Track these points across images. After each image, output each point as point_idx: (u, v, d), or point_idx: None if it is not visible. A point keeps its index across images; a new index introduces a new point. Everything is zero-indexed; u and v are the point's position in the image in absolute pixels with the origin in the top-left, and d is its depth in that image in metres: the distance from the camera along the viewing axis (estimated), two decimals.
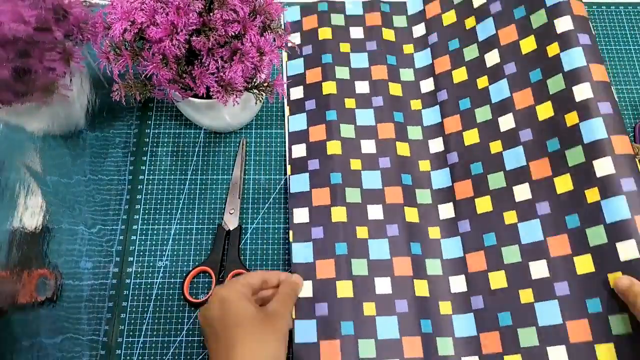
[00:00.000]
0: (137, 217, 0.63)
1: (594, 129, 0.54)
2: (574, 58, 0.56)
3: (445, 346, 0.55)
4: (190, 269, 0.60)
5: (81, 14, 0.55)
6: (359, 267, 0.57)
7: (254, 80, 0.57)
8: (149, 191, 0.64)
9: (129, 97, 0.55)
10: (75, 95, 0.57)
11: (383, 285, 0.57)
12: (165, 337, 0.58)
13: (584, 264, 0.52)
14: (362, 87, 0.66)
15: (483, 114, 0.62)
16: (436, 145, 0.64)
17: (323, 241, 0.58)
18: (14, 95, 0.51)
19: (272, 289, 0.55)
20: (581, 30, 0.58)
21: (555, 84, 0.57)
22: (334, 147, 0.62)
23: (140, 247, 0.61)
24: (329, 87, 0.65)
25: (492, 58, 0.63)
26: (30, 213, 0.46)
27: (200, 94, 0.54)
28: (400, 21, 0.71)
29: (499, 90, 0.62)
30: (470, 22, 0.66)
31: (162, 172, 0.65)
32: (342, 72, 0.66)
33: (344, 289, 0.56)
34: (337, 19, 0.70)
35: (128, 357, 0.57)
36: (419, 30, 0.70)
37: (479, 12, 0.66)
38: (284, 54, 0.69)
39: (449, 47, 0.67)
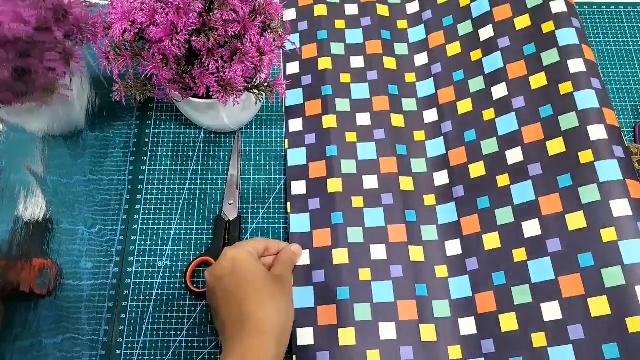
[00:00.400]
0: (137, 217, 0.63)
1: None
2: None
3: (441, 308, 0.56)
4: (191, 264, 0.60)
5: (81, 14, 0.55)
6: (355, 235, 0.58)
7: (254, 80, 0.57)
8: (149, 191, 0.64)
9: (129, 97, 0.55)
10: (75, 95, 0.57)
11: (378, 252, 0.58)
12: (165, 337, 0.58)
13: (576, 221, 0.53)
14: (357, 62, 0.67)
15: (476, 84, 0.63)
16: (430, 115, 0.65)
17: (319, 211, 0.60)
18: (14, 95, 0.50)
19: (272, 256, 0.57)
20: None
21: (550, 57, 0.60)
22: (329, 121, 0.63)
23: (140, 247, 0.61)
24: (325, 63, 0.66)
25: (486, 32, 0.65)
26: (30, 211, 0.46)
27: (200, 94, 0.54)
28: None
29: (491, 61, 0.63)
30: (464, 1, 0.68)
31: (162, 172, 0.65)
32: (337, 48, 0.67)
33: (340, 256, 0.57)
34: None
35: (128, 357, 0.57)
36: (412, 7, 0.71)
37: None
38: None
39: (443, 23, 0.68)
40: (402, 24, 0.70)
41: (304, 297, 0.57)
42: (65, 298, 0.51)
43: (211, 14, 0.53)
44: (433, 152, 0.63)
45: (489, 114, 0.61)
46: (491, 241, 0.57)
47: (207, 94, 0.55)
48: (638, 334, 0.48)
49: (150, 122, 0.67)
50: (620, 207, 0.52)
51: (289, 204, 0.61)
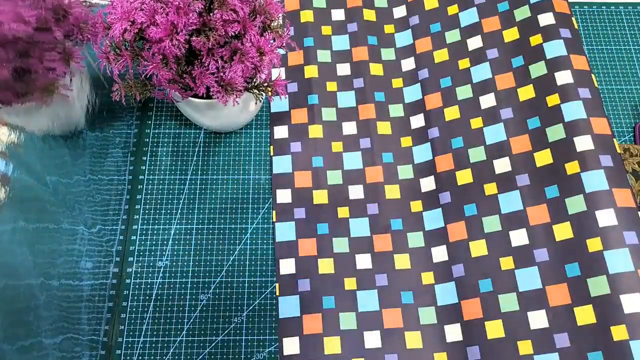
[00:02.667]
0: (137, 217, 0.63)
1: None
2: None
3: (427, 315, 0.56)
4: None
5: (81, 14, 0.55)
6: (340, 245, 0.59)
7: (254, 80, 0.57)
8: (149, 191, 0.64)
9: (129, 97, 0.55)
10: (75, 95, 0.57)
11: (364, 261, 0.58)
12: (165, 337, 0.58)
13: (563, 231, 0.53)
14: (343, 69, 0.67)
15: (464, 92, 0.64)
16: (417, 121, 0.65)
17: (305, 221, 0.60)
18: (14, 95, 0.50)
19: None
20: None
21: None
22: (315, 131, 0.63)
23: (140, 247, 0.61)
24: (311, 71, 0.67)
25: (475, 42, 0.65)
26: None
27: (200, 94, 0.54)
28: (380, 2, 0.71)
29: (480, 71, 0.64)
30: (452, 9, 0.68)
31: (162, 172, 0.65)
32: (323, 56, 0.67)
33: (325, 265, 0.58)
34: (319, 2, 0.70)
35: (128, 357, 0.57)
36: (399, 11, 0.71)
37: (462, 1, 0.68)
38: None
39: (431, 29, 0.68)
40: (389, 28, 0.70)
41: (289, 306, 0.57)
42: (65, 298, 0.51)
43: (211, 14, 0.53)
44: (420, 158, 0.63)
45: (476, 123, 0.62)
46: (478, 248, 0.57)
47: (207, 94, 0.55)
48: (622, 342, 0.48)
49: (150, 122, 0.67)
50: (606, 217, 0.52)
51: (274, 212, 0.61)
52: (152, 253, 0.61)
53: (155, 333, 0.58)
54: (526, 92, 0.60)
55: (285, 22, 0.59)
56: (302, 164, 0.63)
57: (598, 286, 0.51)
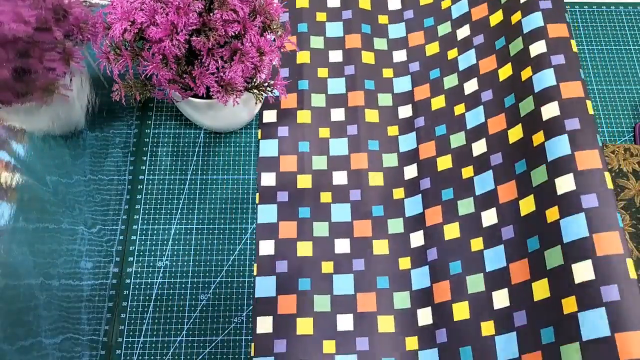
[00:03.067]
0: (137, 217, 0.63)
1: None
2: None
3: (402, 300, 0.57)
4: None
5: (81, 14, 0.55)
6: (321, 229, 0.60)
7: (254, 80, 0.57)
8: (149, 191, 0.64)
9: (129, 97, 0.55)
10: (75, 95, 0.57)
11: (342, 246, 0.59)
12: (165, 337, 0.58)
13: (527, 205, 0.53)
14: (335, 56, 0.68)
15: (450, 80, 0.64)
16: (405, 111, 0.65)
17: (287, 204, 0.61)
18: (14, 95, 0.50)
19: None
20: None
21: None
22: (304, 117, 0.64)
23: (140, 247, 0.61)
24: (303, 57, 0.67)
25: (463, 32, 0.66)
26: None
27: (200, 94, 0.54)
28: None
29: (466, 59, 0.64)
30: (446, 3, 0.69)
31: (162, 172, 0.65)
32: (316, 42, 0.68)
33: (304, 248, 0.59)
34: None
35: (128, 357, 0.57)
36: (394, 4, 0.71)
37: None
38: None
39: (424, 24, 0.69)
40: (382, 19, 0.71)
41: (266, 286, 0.58)
42: (65, 298, 0.51)
43: (211, 14, 0.53)
44: (405, 147, 0.64)
45: (459, 109, 0.62)
46: (451, 231, 0.58)
47: (207, 94, 0.55)
48: (571, 315, 0.47)
49: (150, 122, 0.67)
50: (564, 184, 0.50)
51: (257, 194, 0.62)
52: (152, 253, 0.61)
53: (155, 333, 0.58)
54: (505, 72, 0.60)
55: (285, 24, 0.59)
56: (288, 148, 0.63)
57: (553, 257, 0.49)
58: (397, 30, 0.70)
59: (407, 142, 0.64)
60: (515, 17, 0.61)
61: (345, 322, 0.56)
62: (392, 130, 0.65)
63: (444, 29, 0.67)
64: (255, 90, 0.58)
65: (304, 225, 0.60)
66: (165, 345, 0.57)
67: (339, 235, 0.60)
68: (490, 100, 0.60)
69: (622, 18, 0.74)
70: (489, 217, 0.56)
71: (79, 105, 0.59)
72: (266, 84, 0.58)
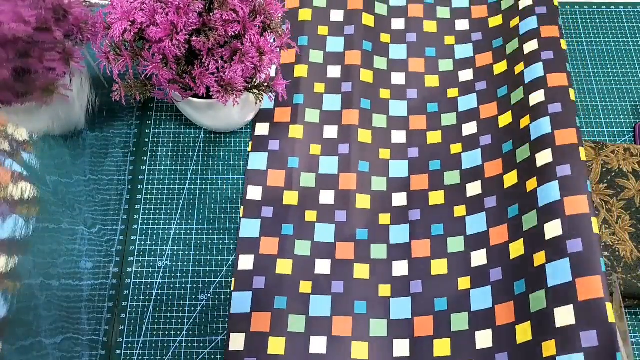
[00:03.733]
0: (137, 217, 0.63)
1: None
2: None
3: (378, 328, 0.56)
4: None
5: (81, 14, 0.55)
6: (302, 247, 0.59)
7: (254, 80, 0.57)
8: (149, 191, 0.64)
9: (129, 97, 0.55)
10: (75, 95, 0.57)
11: (323, 267, 0.58)
12: (165, 337, 0.58)
13: (517, 249, 0.54)
14: (333, 71, 0.67)
15: (449, 119, 0.64)
16: (399, 136, 0.65)
17: (271, 220, 0.60)
18: (14, 95, 0.50)
19: None
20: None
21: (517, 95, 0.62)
22: (296, 132, 0.63)
23: (140, 247, 0.61)
24: (301, 70, 0.66)
25: (466, 75, 0.66)
26: None
27: (200, 94, 0.54)
28: (381, 9, 0.71)
29: (466, 101, 0.64)
30: (449, 40, 0.69)
31: (162, 172, 0.65)
32: (315, 56, 0.67)
33: (284, 266, 0.57)
34: (319, 0, 0.70)
35: (128, 357, 0.57)
36: (398, 23, 0.71)
37: (460, 35, 0.69)
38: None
39: (426, 52, 0.68)
40: (385, 37, 0.70)
41: (241, 302, 0.57)
42: (65, 298, 0.51)
43: (211, 14, 0.53)
44: (395, 173, 0.63)
45: (456, 148, 0.62)
46: (439, 267, 0.57)
47: (207, 94, 0.55)
48: (549, 358, 0.48)
49: (150, 122, 0.67)
50: (552, 229, 0.52)
51: (242, 207, 0.61)
52: (152, 253, 0.61)
53: (155, 333, 0.58)
54: (505, 119, 0.61)
55: (285, 22, 0.59)
56: (277, 163, 0.63)
57: (537, 301, 0.50)
58: (398, 52, 0.69)
59: (399, 168, 0.63)
60: (519, 67, 0.62)
61: (318, 344, 0.54)
62: (384, 154, 0.64)
63: (445, 65, 0.67)
64: (255, 90, 0.58)
65: (286, 242, 0.58)
66: (165, 345, 0.57)
67: (321, 256, 0.58)
68: (488, 145, 0.61)
69: (622, 18, 0.74)
70: (479, 258, 0.56)
71: (79, 105, 0.59)
72: (266, 84, 0.58)
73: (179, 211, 0.63)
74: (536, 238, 0.53)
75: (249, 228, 0.60)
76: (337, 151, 0.63)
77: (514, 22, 0.64)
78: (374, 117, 0.65)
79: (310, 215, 0.60)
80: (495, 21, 0.66)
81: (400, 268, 0.58)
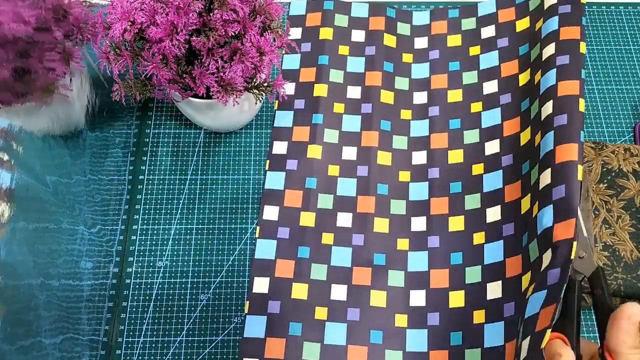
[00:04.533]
0: (137, 217, 0.63)
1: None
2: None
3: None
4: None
5: (81, 14, 0.55)
6: (319, 271, 0.58)
7: (254, 80, 0.57)
8: (149, 191, 0.64)
9: (129, 97, 0.55)
10: (75, 95, 0.57)
11: (339, 292, 0.57)
12: (165, 337, 0.58)
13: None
14: (353, 92, 0.66)
15: (471, 136, 0.62)
16: (419, 157, 0.63)
17: (287, 242, 0.59)
18: (14, 95, 0.50)
19: None
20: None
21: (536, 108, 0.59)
22: (314, 151, 0.62)
23: (140, 247, 0.61)
24: (320, 90, 0.65)
25: (490, 87, 0.64)
26: None
27: (200, 94, 0.54)
28: (403, 29, 0.70)
29: (490, 116, 0.62)
30: (474, 50, 0.66)
31: (162, 172, 0.65)
32: (336, 76, 0.66)
33: (300, 290, 0.56)
34: (341, 20, 0.69)
35: (128, 357, 0.57)
36: (421, 42, 0.69)
37: (485, 43, 0.66)
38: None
39: (449, 67, 0.67)
40: (407, 57, 0.68)
41: (255, 326, 0.56)
42: (65, 298, 0.51)
43: (211, 14, 0.53)
44: (415, 196, 0.61)
45: (477, 169, 0.61)
46: (456, 299, 0.56)
47: (207, 94, 0.55)
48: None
49: (150, 122, 0.67)
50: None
51: (258, 228, 0.60)
52: (152, 253, 0.61)
53: (155, 333, 0.58)
54: (526, 136, 0.58)
55: (286, 23, 0.59)
56: (294, 183, 0.61)
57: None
58: (420, 71, 0.67)
59: (417, 192, 0.61)
60: (537, 76, 0.59)
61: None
62: (404, 176, 0.62)
63: (470, 77, 0.65)
64: (255, 90, 0.58)
65: (302, 265, 0.58)
66: (165, 345, 0.57)
67: (337, 281, 0.57)
68: (510, 165, 0.59)
69: (622, 18, 0.74)
70: (494, 291, 0.55)
71: (79, 105, 0.59)
72: (266, 84, 0.58)
73: (179, 211, 0.63)
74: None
75: (265, 249, 0.59)
76: (356, 173, 0.62)
77: (538, 25, 0.61)
78: (394, 138, 0.64)
79: (327, 238, 0.59)
80: (523, 24, 0.64)
81: (417, 297, 0.57)
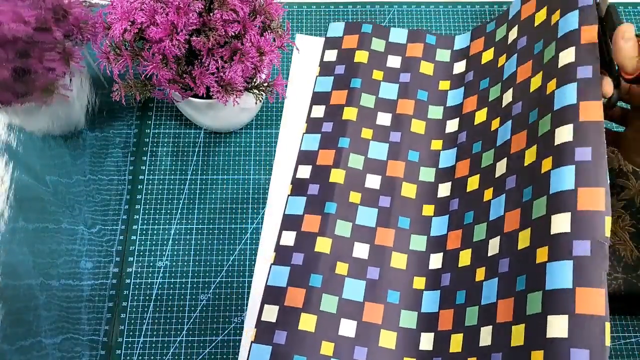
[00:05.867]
0: (137, 217, 0.63)
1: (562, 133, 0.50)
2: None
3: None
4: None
5: (81, 14, 0.55)
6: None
7: (254, 80, 0.57)
8: (149, 191, 0.64)
9: (129, 97, 0.55)
10: (75, 95, 0.57)
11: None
12: (165, 337, 0.58)
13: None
14: (383, 119, 0.65)
15: (487, 157, 0.59)
16: (444, 189, 0.62)
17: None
18: (14, 95, 0.51)
19: None
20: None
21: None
22: (337, 176, 0.61)
23: (140, 247, 0.61)
24: (350, 113, 0.64)
25: (507, 97, 0.59)
26: None
27: (200, 94, 0.54)
28: (442, 55, 0.68)
29: (503, 130, 0.58)
30: (502, 60, 0.62)
31: (162, 172, 0.65)
32: (367, 100, 0.65)
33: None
34: (378, 44, 0.68)
35: (128, 357, 0.57)
36: (459, 67, 0.67)
37: (510, 47, 0.62)
38: (317, 68, 0.69)
39: (480, 86, 0.64)
40: (444, 84, 0.66)
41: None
42: (65, 298, 0.51)
43: (211, 14, 0.53)
44: (435, 231, 0.60)
45: (488, 195, 0.58)
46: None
47: (207, 94, 0.55)
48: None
49: (150, 122, 0.67)
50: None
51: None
52: (152, 253, 0.61)
53: (155, 333, 0.58)
54: (530, 155, 0.55)
55: (286, 23, 0.59)
56: (314, 208, 0.61)
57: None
58: (455, 96, 0.65)
59: (438, 226, 0.60)
60: (551, 85, 0.53)
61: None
62: (427, 210, 0.61)
63: (494, 92, 0.62)
64: (255, 90, 0.58)
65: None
66: (165, 345, 0.57)
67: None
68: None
69: (622, 18, 0.74)
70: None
71: (79, 105, 0.59)
72: (266, 84, 0.58)
73: (179, 211, 0.63)
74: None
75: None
76: (377, 203, 0.61)
77: (555, 17, 0.55)
78: (421, 170, 0.63)
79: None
80: (540, 17, 0.59)
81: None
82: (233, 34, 0.53)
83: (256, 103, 0.62)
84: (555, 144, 0.49)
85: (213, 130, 0.66)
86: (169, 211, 0.63)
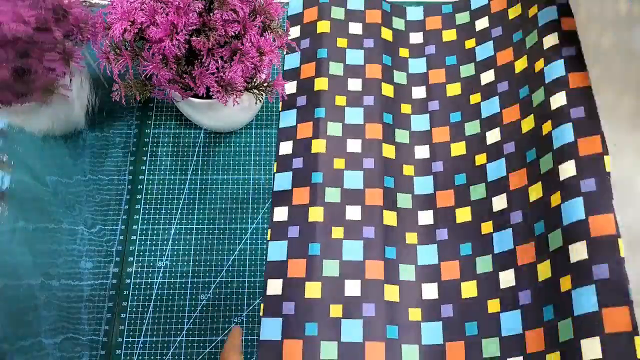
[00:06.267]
0: (137, 217, 0.63)
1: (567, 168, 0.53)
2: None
3: (410, 354, 0.55)
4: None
5: (81, 14, 0.55)
6: (331, 268, 0.57)
7: (254, 80, 0.57)
8: (149, 191, 0.64)
9: (129, 97, 0.55)
10: (75, 95, 0.57)
11: (353, 288, 0.57)
12: (165, 337, 0.58)
13: (544, 270, 0.52)
14: (354, 84, 0.66)
15: (472, 127, 0.63)
16: (422, 152, 0.64)
17: (298, 240, 0.59)
18: (14, 95, 0.51)
19: None
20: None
21: (538, 97, 0.58)
22: (318, 146, 0.62)
23: (140, 247, 0.61)
24: (321, 83, 0.65)
25: (487, 77, 0.64)
26: None
27: (200, 94, 0.54)
28: (398, 24, 0.70)
29: (489, 106, 0.63)
30: (470, 43, 0.67)
31: (162, 172, 0.65)
32: (335, 68, 0.66)
33: (313, 289, 0.56)
34: (337, 12, 0.69)
35: (128, 357, 0.57)
36: (416, 37, 0.70)
37: (480, 35, 0.67)
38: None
39: (446, 62, 0.67)
40: (403, 52, 0.69)
41: (271, 328, 0.56)
42: (65, 298, 0.51)
43: (211, 14, 0.53)
44: (420, 190, 0.62)
45: (481, 159, 0.61)
46: (468, 290, 0.56)
47: (207, 94, 0.55)
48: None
49: (150, 122, 0.67)
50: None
51: (269, 231, 0.60)
52: (152, 253, 0.61)
53: (155, 333, 0.58)
54: (528, 124, 0.58)
55: (286, 24, 0.59)
56: (301, 181, 0.61)
57: (565, 330, 0.49)
58: (417, 66, 0.68)
59: (423, 185, 0.62)
60: (538, 64, 0.59)
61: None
62: (408, 170, 0.62)
63: (466, 70, 0.66)
64: (255, 90, 0.58)
65: (314, 263, 0.57)
66: (165, 345, 0.57)
67: (350, 276, 0.57)
68: (512, 153, 0.59)
69: None
70: (507, 278, 0.55)
71: (79, 105, 0.59)
72: (266, 84, 0.58)
73: (179, 211, 0.63)
74: (561, 255, 0.52)
75: (277, 251, 0.59)
76: (362, 165, 0.61)
77: (532, 11, 0.61)
78: (397, 132, 0.64)
79: (337, 232, 0.59)
80: (514, 12, 0.64)
81: (429, 291, 0.57)
82: (233, 34, 0.53)
83: (256, 103, 0.62)
84: (561, 180, 0.52)
85: (213, 130, 0.66)
86: (169, 211, 0.63)
